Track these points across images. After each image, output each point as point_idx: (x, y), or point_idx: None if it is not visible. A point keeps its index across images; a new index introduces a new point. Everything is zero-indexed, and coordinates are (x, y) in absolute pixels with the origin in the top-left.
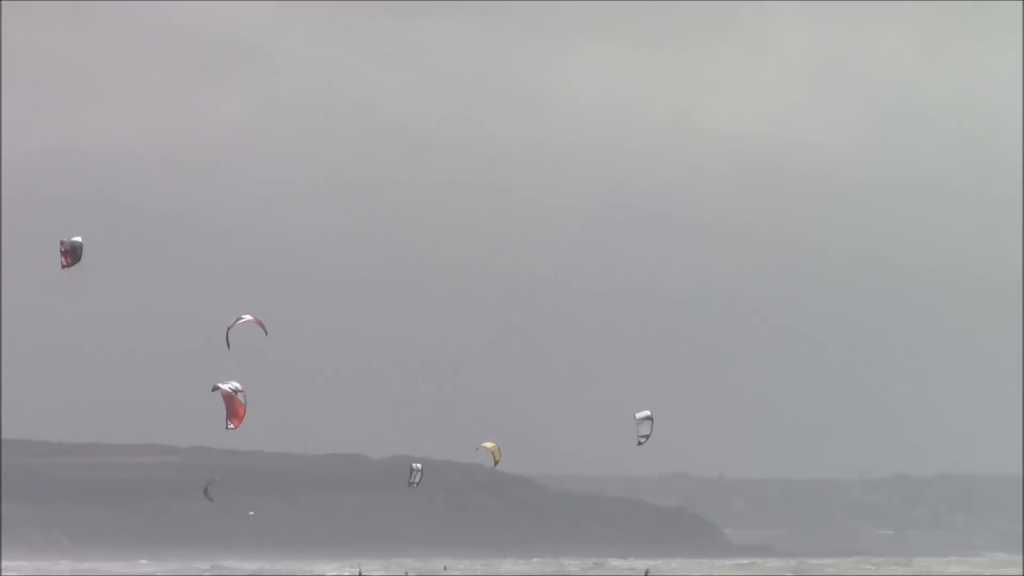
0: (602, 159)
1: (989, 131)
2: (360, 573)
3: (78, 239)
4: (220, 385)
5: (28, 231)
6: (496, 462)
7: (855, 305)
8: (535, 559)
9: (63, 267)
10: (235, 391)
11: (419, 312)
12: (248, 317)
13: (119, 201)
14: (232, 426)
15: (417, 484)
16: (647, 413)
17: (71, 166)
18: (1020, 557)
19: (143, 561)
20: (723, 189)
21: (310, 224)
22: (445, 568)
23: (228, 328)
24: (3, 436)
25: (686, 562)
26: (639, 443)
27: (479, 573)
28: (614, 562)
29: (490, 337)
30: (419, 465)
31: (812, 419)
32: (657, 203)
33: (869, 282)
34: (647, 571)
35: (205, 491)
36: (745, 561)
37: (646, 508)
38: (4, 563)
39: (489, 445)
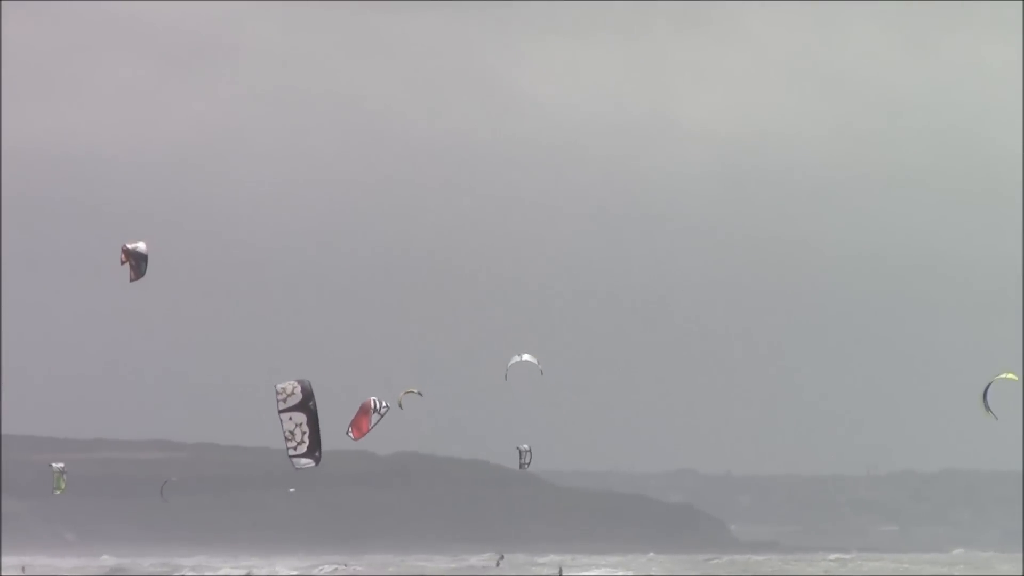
0: (582, 155)
1: (970, 125)
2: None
3: (140, 246)
4: (375, 400)
5: (28, 228)
6: (418, 393)
7: (860, 302)
8: (541, 555)
9: (122, 263)
10: (377, 409)
11: (422, 308)
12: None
13: (112, 199)
14: (352, 436)
15: (528, 464)
16: (518, 359)
17: (55, 165)
18: (1021, 554)
19: (150, 557)
20: (705, 184)
21: (305, 220)
22: (501, 559)
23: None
24: (7, 432)
25: (692, 558)
26: (541, 369)
27: (481, 573)
28: (584, 558)
29: (497, 333)
30: (527, 446)
31: (818, 416)
32: (644, 198)
33: (872, 279)
34: (560, 569)
35: (161, 491)
36: (751, 557)
37: (652, 504)
38: (9, 559)
39: (413, 390)
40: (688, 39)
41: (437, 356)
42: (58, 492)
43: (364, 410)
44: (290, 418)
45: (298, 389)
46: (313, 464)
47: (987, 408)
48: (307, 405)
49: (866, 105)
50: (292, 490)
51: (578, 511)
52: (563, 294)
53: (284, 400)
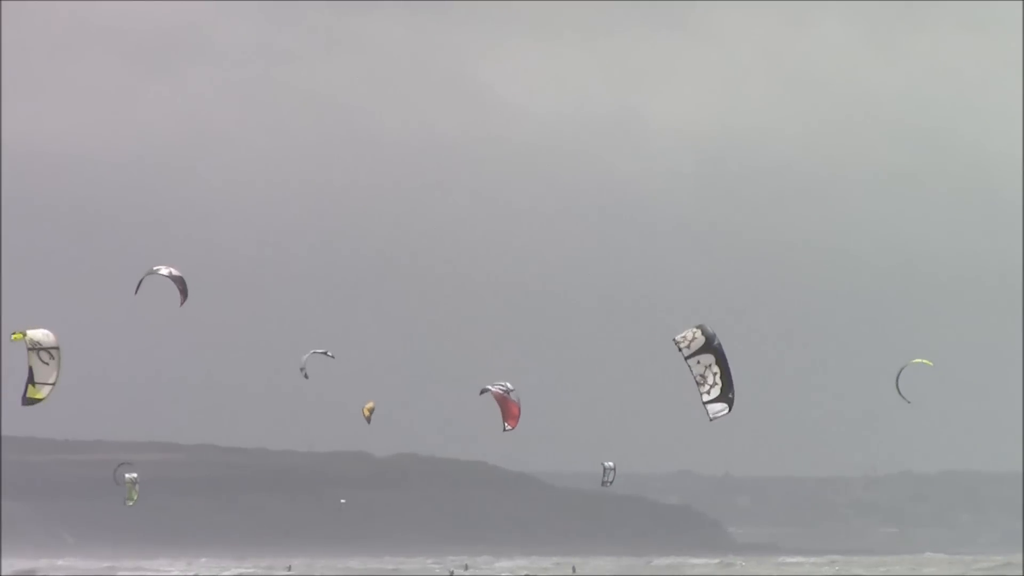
0: (558, 155)
1: (945, 123)
2: None
3: (174, 271)
4: (490, 387)
5: (30, 229)
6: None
7: (857, 302)
8: (540, 557)
9: (137, 290)
10: (507, 391)
11: (424, 309)
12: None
13: (103, 202)
14: (509, 427)
15: (611, 482)
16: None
17: (38, 166)
18: (1021, 555)
19: (147, 559)
20: (683, 184)
21: (293, 221)
22: (467, 567)
23: (144, 276)
24: (5, 433)
25: (690, 560)
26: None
27: (481, 572)
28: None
29: (493, 335)
30: (611, 463)
31: (816, 417)
32: (627, 197)
33: (869, 278)
34: (451, 571)
35: (114, 474)
36: (749, 559)
37: (650, 506)
38: (8, 561)
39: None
40: (661, 39)
41: (434, 358)
42: (130, 503)
43: (501, 399)
44: (698, 361)
45: (698, 333)
46: (727, 411)
47: (899, 392)
48: (712, 345)
49: (839, 103)
50: (343, 501)
51: (576, 512)
52: (557, 295)
53: (688, 346)
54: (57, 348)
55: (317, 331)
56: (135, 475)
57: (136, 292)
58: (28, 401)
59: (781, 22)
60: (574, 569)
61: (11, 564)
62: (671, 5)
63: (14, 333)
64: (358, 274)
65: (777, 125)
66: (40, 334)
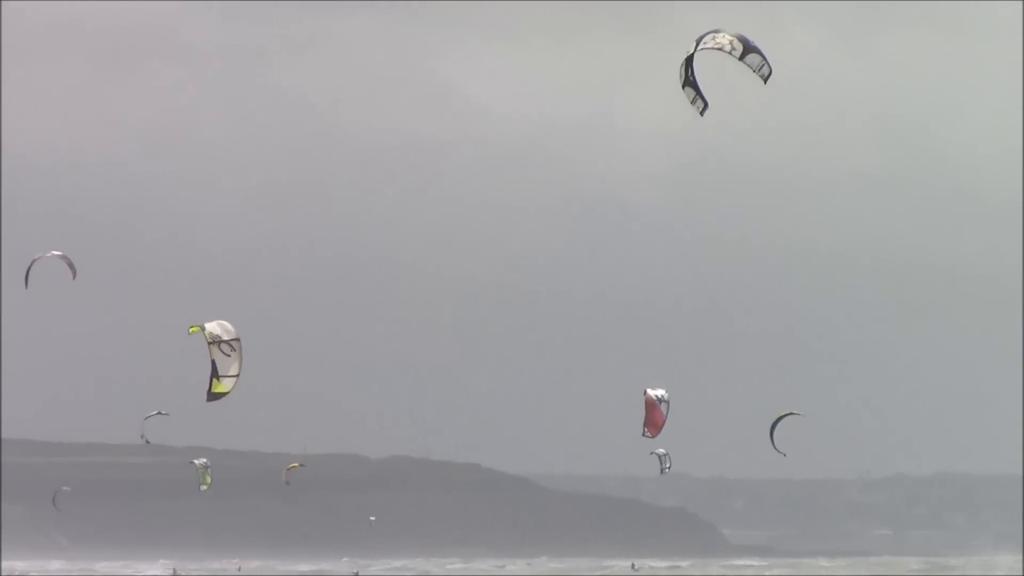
0: (529, 159)
1: (921, 121)
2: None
3: (55, 252)
4: (649, 391)
5: (30, 232)
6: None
7: (854, 305)
8: (533, 559)
9: (27, 272)
10: (659, 399)
11: (417, 312)
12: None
13: (76, 202)
14: (649, 435)
15: (669, 469)
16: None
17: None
18: (1020, 557)
19: (143, 561)
20: (659, 185)
21: (286, 222)
22: (358, 572)
23: (31, 264)
24: (2, 436)
25: (685, 562)
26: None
27: (473, 574)
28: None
29: (488, 338)
30: (663, 450)
31: (811, 419)
32: (599, 201)
33: (867, 282)
34: (357, 571)
35: (53, 500)
36: (744, 561)
37: (645, 508)
38: (3, 563)
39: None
40: (632, 40)
41: (428, 360)
42: (204, 488)
43: (651, 405)
44: (705, 44)
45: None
46: (767, 66)
47: (773, 445)
48: (704, 34)
49: (814, 104)
50: (372, 519)
51: (572, 515)
52: (546, 297)
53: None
54: (238, 340)
55: (312, 332)
56: (204, 460)
57: (26, 286)
58: (212, 396)
59: (753, 23)
60: (633, 566)
61: (8, 566)
62: (642, 6)
63: (192, 326)
64: (350, 275)
65: (752, 126)
66: (218, 327)
